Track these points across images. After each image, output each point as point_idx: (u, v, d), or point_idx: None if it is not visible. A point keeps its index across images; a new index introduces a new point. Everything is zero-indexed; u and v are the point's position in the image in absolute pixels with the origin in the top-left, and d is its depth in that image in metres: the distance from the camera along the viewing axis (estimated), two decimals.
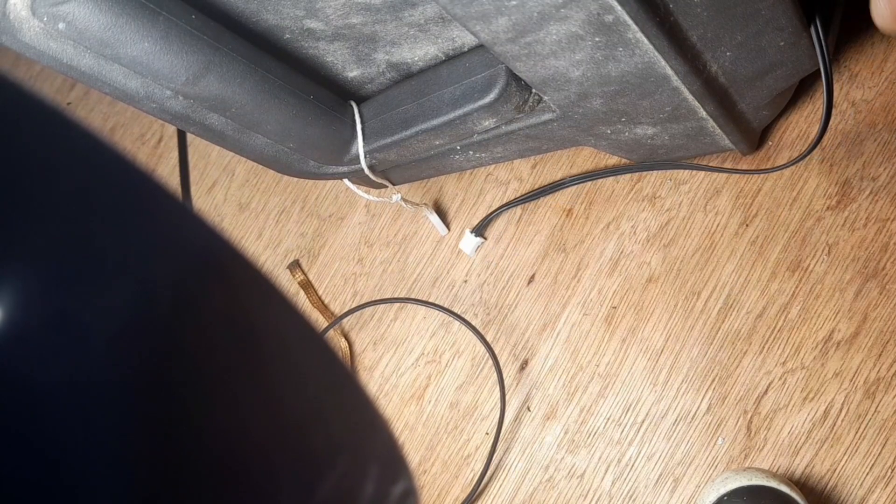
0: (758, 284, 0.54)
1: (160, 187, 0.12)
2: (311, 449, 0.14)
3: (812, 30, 0.43)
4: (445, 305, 0.62)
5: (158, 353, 0.12)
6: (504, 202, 0.62)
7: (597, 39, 0.36)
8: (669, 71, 0.39)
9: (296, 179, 0.70)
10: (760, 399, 0.53)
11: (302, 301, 0.67)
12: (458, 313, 0.61)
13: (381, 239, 0.66)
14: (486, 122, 0.48)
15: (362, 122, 0.53)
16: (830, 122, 0.55)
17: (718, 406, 0.54)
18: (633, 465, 0.55)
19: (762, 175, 0.56)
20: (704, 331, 0.55)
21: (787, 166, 0.54)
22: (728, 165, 0.57)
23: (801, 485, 0.50)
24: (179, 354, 0.12)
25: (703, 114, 0.45)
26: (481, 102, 0.47)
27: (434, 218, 0.63)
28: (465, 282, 0.62)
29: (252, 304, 0.14)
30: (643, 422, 0.55)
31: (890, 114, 0.54)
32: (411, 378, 0.62)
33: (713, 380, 0.54)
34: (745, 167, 0.56)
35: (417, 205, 0.62)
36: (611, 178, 0.60)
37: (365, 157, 0.54)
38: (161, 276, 0.12)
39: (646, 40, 0.36)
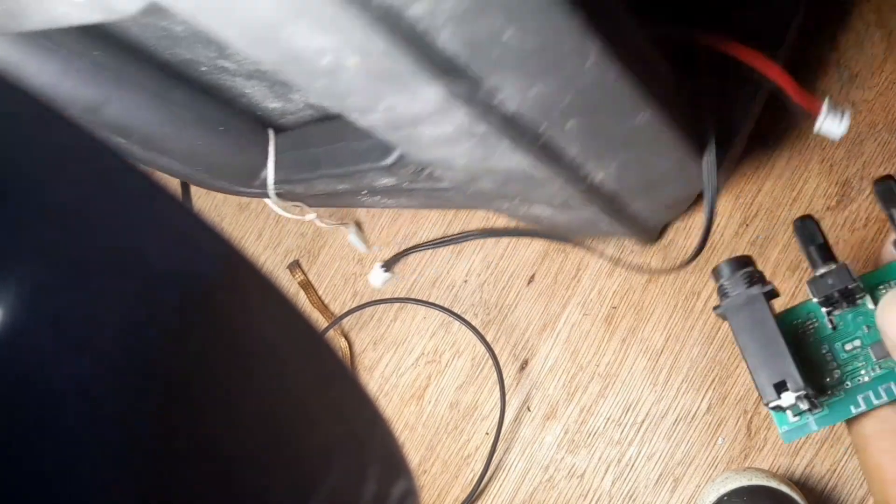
0: None
1: (160, 187, 0.12)
2: (311, 448, 0.14)
3: (704, 159, 0.43)
4: (445, 305, 0.62)
5: (158, 354, 0.12)
6: (419, 241, 0.64)
7: (473, 142, 0.36)
8: (551, 174, 0.39)
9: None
10: (761, 399, 0.52)
11: (302, 301, 0.67)
12: (458, 313, 0.61)
13: (381, 239, 0.66)
14: (385, 181, 0.49)
15: (276, 154, 0.54)
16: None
17: (718, 406, 0.54)
18: (633, 465, 0.55)
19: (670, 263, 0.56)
20: (704, 331, 0.55)
21: (670, 271, 0.55)
22: (626, 254, 0.58)
23: (801, 485, 0.50)
24: (179, 354, 0.12)
25: (595, 209, 0.46)
26: (379, 164, 0.47)
27: (353, 238, 0.64)
28: (465, 282, 0.62)
29: (253, 303, 0.14)
30: (643, 422, 0.55)
31: (890, 114, 0.54)
32: (411, 378, 0.62)
33: (713, 380, 0.54)
34: (637, 260, 0.58)
35: (337, 224, 0.63)
36: None
37: (273, 186, 0.54)
38: (161, 275, 0.12)
39: (520, 151, 0.36)
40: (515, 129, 0.35)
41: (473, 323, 0.60)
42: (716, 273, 0.40)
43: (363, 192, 0.55)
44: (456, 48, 0.29)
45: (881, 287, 0.39)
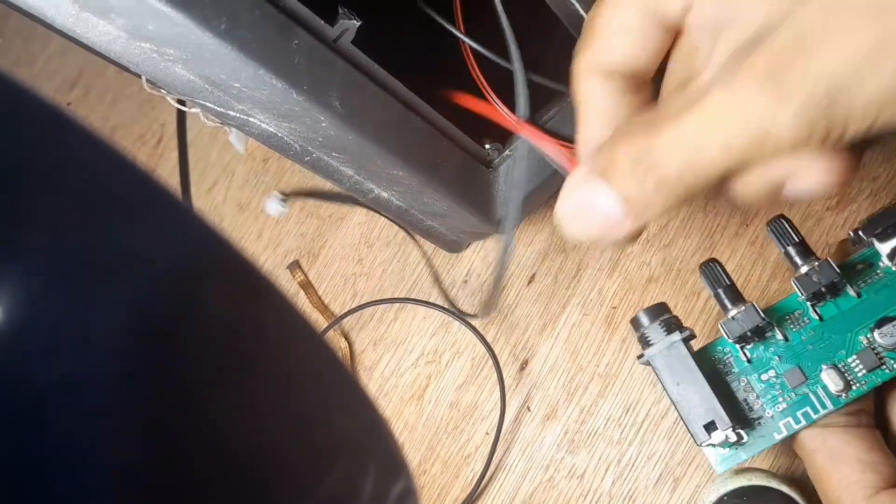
0: (758, 284, 0.54)
1: (160, 187, 0.12)
2: (310, 449, 0.14)
3: (502, 222, 0.47)
4: (445, 305, 0.62)
5: (158, 353, 0.12)
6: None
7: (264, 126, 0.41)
8: (332, 180, 0.44)
9: (295, 179, 0.70)
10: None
11: (302, 301, 0.67)
12: (458, 313, 0.61)
13: (381, 239, 0.66)
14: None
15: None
16: None
17: None
18: (633, 465, 0.55)
19: None
20: (705, 331, 0.55)
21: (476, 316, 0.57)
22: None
23: (802, 485, 0.50)
24: (179, 354, 0.12)
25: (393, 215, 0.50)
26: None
27: (233, 138, 0.64)
28: (465, 282, 0.62)
29: (252, 303, 0.14)
30: (643, 422, 0.55)
31: None
32: (411, 378, 0.62)
33: None
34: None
35: (218, 123, 0.63)
36: None
37: None
38: (161, 275, 0.12)
39: (294, 158, 0.41)
40: (278, 142, 0.40)
41: (473, 323, 0.60)
42: (635, 323, 0.43)
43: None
44: (193, 78, 0.34)
45: (786, 319, 0.42)
